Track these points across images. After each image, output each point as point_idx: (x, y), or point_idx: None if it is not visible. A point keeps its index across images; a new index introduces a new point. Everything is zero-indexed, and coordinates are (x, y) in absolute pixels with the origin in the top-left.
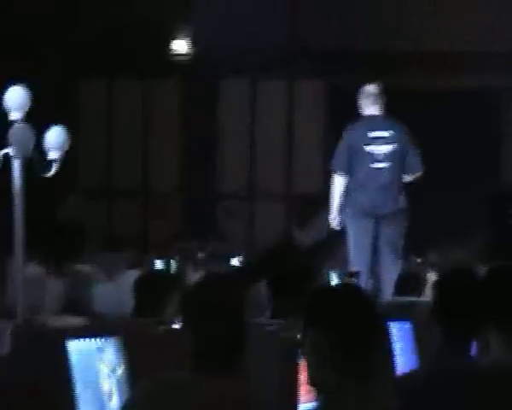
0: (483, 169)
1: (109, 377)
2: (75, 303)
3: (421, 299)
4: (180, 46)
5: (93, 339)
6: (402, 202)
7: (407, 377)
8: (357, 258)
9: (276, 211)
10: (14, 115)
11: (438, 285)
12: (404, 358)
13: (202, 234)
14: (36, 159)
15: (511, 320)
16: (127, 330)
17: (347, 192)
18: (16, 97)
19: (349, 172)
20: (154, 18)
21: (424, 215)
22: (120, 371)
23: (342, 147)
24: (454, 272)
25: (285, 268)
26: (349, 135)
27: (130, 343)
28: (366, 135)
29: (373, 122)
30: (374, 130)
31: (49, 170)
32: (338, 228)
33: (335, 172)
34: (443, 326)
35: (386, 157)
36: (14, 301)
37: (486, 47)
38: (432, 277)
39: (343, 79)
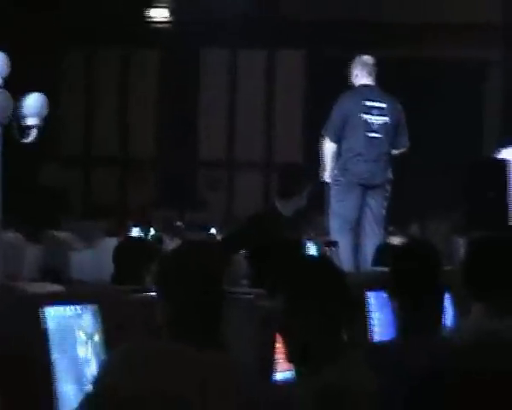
0: (463, 140)
1: (86, 343)
2: (53, 270)
3: None
4: (159, 14)
5: (70, 306)
6: (389, 173)
7: (381, 346)
8: (340, 227)
9: (256, 181)
10: None
11: (398, 259)
12: (381, 328)
13: (181, 203)
14: (14, 125)
15: (491, 290)
16: (105, 297)
17: (339, 160)
18: None
19: (340, 139)
20: None
21: (404, 187)
22: (97, 338)
23: (336, 114)
24: (411, 245)
25: (265, 237)
26: (344, 102)
27: (107, 311)
28: (363, 103)
29: (369, 92)
30: (370, 99)
31: (28, 136)
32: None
33: (327, 138)
34: (405, 298)
35: (380, 128)
36: None
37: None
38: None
39: (325, 48)
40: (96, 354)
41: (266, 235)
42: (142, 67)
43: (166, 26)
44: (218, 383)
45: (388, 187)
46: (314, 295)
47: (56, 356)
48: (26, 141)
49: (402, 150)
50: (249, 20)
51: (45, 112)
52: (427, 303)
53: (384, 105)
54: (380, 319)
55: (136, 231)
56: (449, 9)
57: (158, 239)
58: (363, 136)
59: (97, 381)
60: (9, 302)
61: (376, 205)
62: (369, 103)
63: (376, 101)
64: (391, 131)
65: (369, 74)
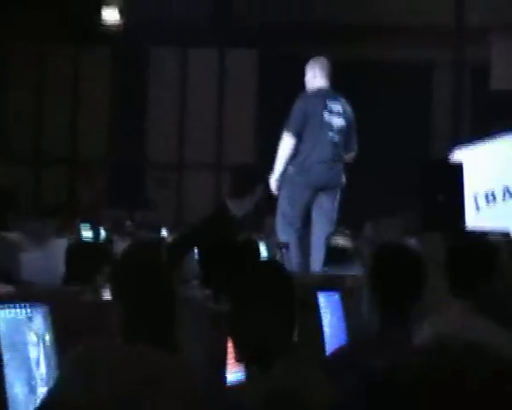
0: (414, 140)
1: (37, 344)
2: (2, 271)
3: (350, 272)
4: (110, 14)
5: (21, 307)
6: (343, 177)
7: (337, 353)
8: (288, 226)
9: (207, 182)
10: None
11: (376, 259)
12: (333, 329)
13: (131, 203)
14: None
15: (472, 289)
16: (55, 298)
17: (297, 158)
18: None
19: (300, 138)
20: None
21: (356, 187)
22: (48, 339)
23: (299, 111)
24: (392, 247)
25: (216, 238)
26: (308, 101)
27: (58, 311)
28: (326, 105)
29: (328, 94)
30: (332, 101)
31: None
32: (276, 192)
33: (288, 135)
34: (380, 300)
35: (339, 131)
36: None
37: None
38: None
39: (276, 49)
40: (47, 355)
41: (217, 235)
42: (93, 66)
43: (117, 25)
44: (171, 384)
45: (340, 189)
46: (260, 297)
47: (7, 357)
48: None
49: (351, 155)
50: (201, 19)
51: None
52: (408, 302)
53: (341, 108)
54: (330, 321)
55: (86, 231)
56: (398, 11)
57: (108, 239)
58: (324, 138)
59: (50, 391)
60: None
61: (329, 206)
62: (330, 105)
63: (336, 103)
64: (346, 134)
65: (326, 76)
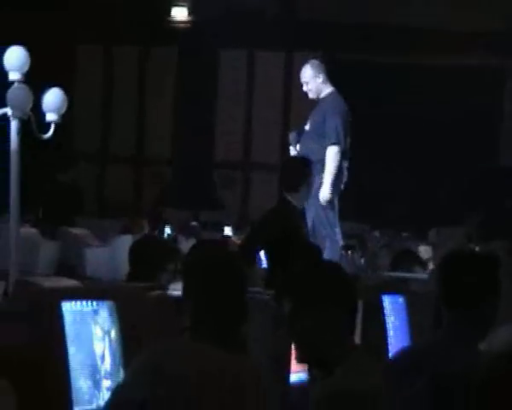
0: (482, 147)
1: (103, 339)
2: (68, 267)
3: (416, 275)
4: (179, 12)
5: (87, 301)
6: None
7: (402, 355)
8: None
9: (270, 181)
10: (13, 76)
11: (447, 264)
12: (397, 332)
13: (195, 202)
14: (33, 120)
15: None
16: (121, 294)
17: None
18: (15, 58)
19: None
20: None
21: (422, 193)
22: (113, 334)
23: (341, 121)
24: (463, 252)
25: (283, 236)
26: (341, 109)
27: (123, 307)
28: (348, 109)
29: (330, 100)
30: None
31: (47, 132)
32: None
33: (336, 147)
34: (449, 304)
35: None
36: (7, 262)
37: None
38: (426, 254)
39: (343, 52)
40: (112, 351)
41: (285, 229)
42: (160, 66)
43: (185, 25)
44: (235, 383)
45: None
46: (321, 300)
47: (72, 351)
48: (44, 137)
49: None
50: (267, 21)
51: (64, 108)
52: (481, 317)
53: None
54: (395, 324)
55: (151, 230)
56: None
57: (173, 239)
58: (349, 140)
59: (117, 392)
60: (27, 297)
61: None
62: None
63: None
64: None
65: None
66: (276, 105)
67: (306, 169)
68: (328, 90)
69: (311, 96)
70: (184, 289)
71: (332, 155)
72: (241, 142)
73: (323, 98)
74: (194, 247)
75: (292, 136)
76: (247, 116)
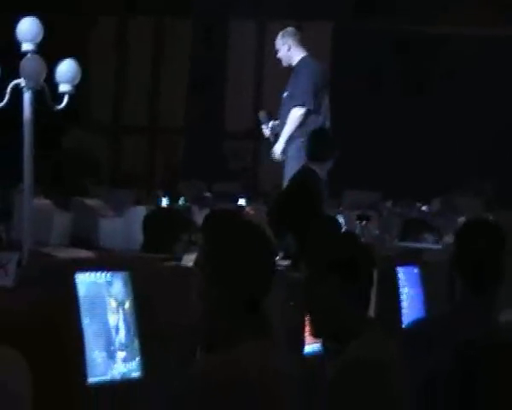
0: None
1: (117, 310)
2: (82, 238)
3: (430, 245)
4: None
5: (102, 272)
6: None
7: (417, 326)
8: None
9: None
10: (26, 47)
11: (462, 237)
12: (411, 303)
13: (208, 173)
14: (46, 91)
15: None
16: (135, 265)
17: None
18: (28, 29)
19: (314, 109)
20: None
21: (430, 161)
22: (128, 305)
23: (311, 82)
24: (479, 225)
25: (307, 210)
26: (312, 72)
27: (137, 278)
28: (325, 72)
29: (318, 62)
30: (323, 70)
31: (60, 103)
32: (278, 158)
33: (302, 108)
34: (463, 275)
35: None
36: (20, 234)
37: None
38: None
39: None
40: (127, 322)
41: (310, 202)
42: (173, 37)
43: None
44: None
45: None
46: (337, 269)
47: (87, 322)
48: (58, 107)
49: None
50: None
51: (77, 79)
52: (489, 280)
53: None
54: (409, 294)
55: (165, 201)
56: None
57: (186, 209)
58: (326, 103)
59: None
60: (41, 267)
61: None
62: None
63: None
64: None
65: (301, 44)
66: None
67: (334, 140)
68: (298, 56)
69: (283, 64)
70: (210, 258)
71: (292, 116)
72: (253, 112)
73: (296, 65)
74: (208, 217)
75: (262, 115)
76: (259, 86)
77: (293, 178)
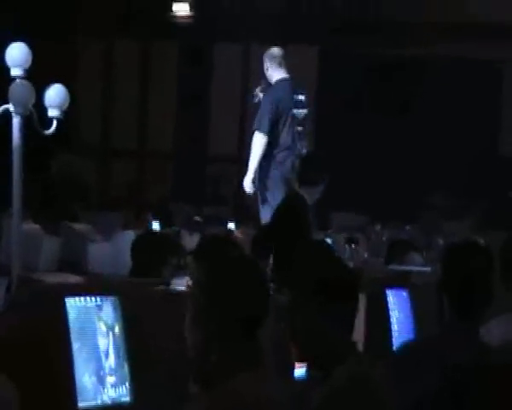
0: (484, 137)
1: (107, 334)
2: (70, 262)
3: (417, 268)
4: (180, 8)
5: (91, 297)
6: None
7: (406, 348)
8: None
9: None
10: (15, 72)
11: (451, 258)
12: (400, 326)
13: (197, 197)
14: (35, 116)
15: None
16: (125, 289)
17: (273, 154)
18: (17, 54)
19: (273, 134)
20: None
21: (417, 183)
22: (117, 329)
23: (269, 107)
24: (468, 246)
25: (295, 233)
26: (276, 96)
27: (127, 303)
28: (292, 97)
29: (290, 85)
30: (296, 93)
31: (49, 128)
32: (249, 191)
33: (261, 133)
34: (452, 297)
35: (303, 121)
36: (9, 258)
37: None
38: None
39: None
40: (117, 346)
41: (297, 227)
42: (161, 61)
43: (186, 20)
44: None
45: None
46: (320, 292)
47: (76, 346)
48: (46, 132)
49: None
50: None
51: (66, 103)
52: (477, 303)
53: (303, 97)
54: (399, 317)
55: (154, 224)
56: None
57: (175, 233)
58: (292, 130)
59: None
60: (30, 292)
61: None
62: (296, 97)
63: (299, 93)
64: (308, 122)
65: (282, 66)
66: None
67: (326, 165)
68: (276, 78)
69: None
70: (202, 286)
71: (253, 141)
72: (237, 136)
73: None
74: (201, 244)
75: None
76: (242, 110)
77: (281, 203)
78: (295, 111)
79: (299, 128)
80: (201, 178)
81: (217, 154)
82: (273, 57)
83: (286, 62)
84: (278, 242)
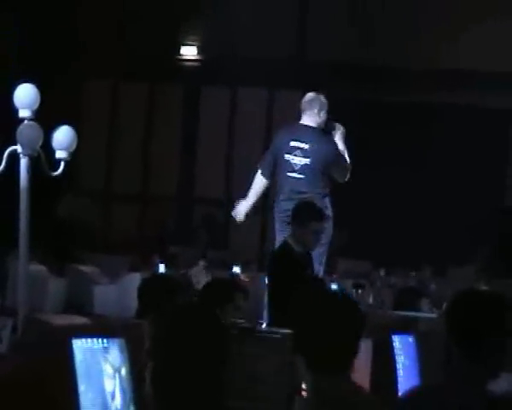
0: (488, 185)
1: (113, 377)
2: (76, 304)
3: (425, 314)
4: (188, 51)
5: (98, 339)
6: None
7: (411, 394)
8: None
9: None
10: (23, 113)
11: (456, 306)
12: (406, 371)
13: (204, 241)
14: (43, 158)
15: None
16: (131, 331)
17: (272, 198)
18: (25, 95)
19: (270, 176)
20: (162, 22)
21: (421, 230)
22: (124, 371)
23: (270, 151)
24: (473, 294)
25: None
26: (276, 141)
27: (133, 345)
28: (288, 144)
29: (298, 132)
30: (296, 140)
31: (57, 169)
32: (238, 220)
33: (260, 173)
34: (458, 345)
35: (301, 169)
36: (15, 299)
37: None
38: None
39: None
40: (123, 389)
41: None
42: (167, 104)
43: (194, 63)
44: None
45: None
46: (320, 334)
47: (83, 388)
48: (54, 174)
49: (343, 180)
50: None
51: (74, 146)
52: (486, 350)
53: (307, 146)
54: (405, 363)
55: (161, 268)
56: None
57: (182, 275)
58: (285, 175)
59: None
60: (38, 333)
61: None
62: (293, 144)
63: (301, 142)
64: (312, 172)
65: (306, 112)
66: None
67: (319, 210)
68: (299, 122)
69: None
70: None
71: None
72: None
73: None
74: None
75: None
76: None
77: (272, 254)
78: (289, 157)
79: (295, 175)
80: (198, 221)
81: (203, 196)
82: (304, 103)
83: (314, 109)
84: (273, 288)
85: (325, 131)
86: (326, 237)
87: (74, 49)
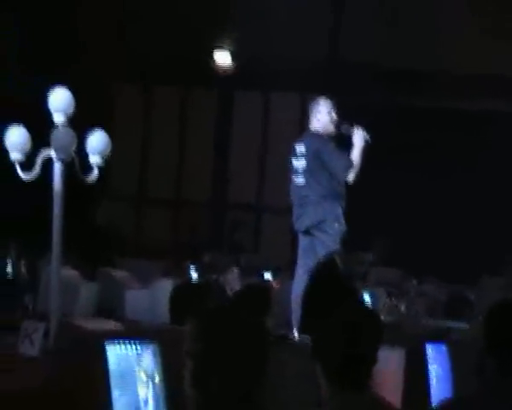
0: None
1: (146, 383)
2: (108, 309)
3: (457, 324)
4: (221, 57)
5: (131, 344)
6: (321, 215)
7: (445, 404)
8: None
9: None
10: (57, 118)
11: (492, 317)
12: (439, 380)
13: (236, 247)
14: (77, 163)
15: None
16: (164, 337)
17: None
18: (60, 100)
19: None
20: (196, 28)
21: (455, 239)
22: (157, 377)
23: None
24: (506, 306)
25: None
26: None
27: (167, 351)
28: (293, 148)
29: (301, 136)
30: (298, 144)
31: (90, 174)
32: None
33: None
34: (496, 357)
35: (303, 173)
36: (46, 304)
37: None
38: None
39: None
40: (156, 396)
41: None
42: (200, 109)
43: (227, 69)
44: None
45: (328, 227)
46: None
47: (116, 394)
48: (87, 179)
49: (347, 177)
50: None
51: (108, 150)
52: None
53: (303, 149)
54: (437, 372)
55: (192, 273)
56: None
57: (214, 282)
58: (291, 181)
59: None
60: (71, 338)
61: (322, 247)
62: (296, 147)
63: (300, 145)
64: (308, 173)
65: (312, 118)
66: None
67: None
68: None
69: None
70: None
71: None
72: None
73: None
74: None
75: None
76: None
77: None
78: (293, 162)
79: (298, 179)
80: (230, 226)
81: (234, 201)
82: (318, 109)
83: (319, 114)
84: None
85: (342, 134)
86: (334, 243)
87: (107, 53)
